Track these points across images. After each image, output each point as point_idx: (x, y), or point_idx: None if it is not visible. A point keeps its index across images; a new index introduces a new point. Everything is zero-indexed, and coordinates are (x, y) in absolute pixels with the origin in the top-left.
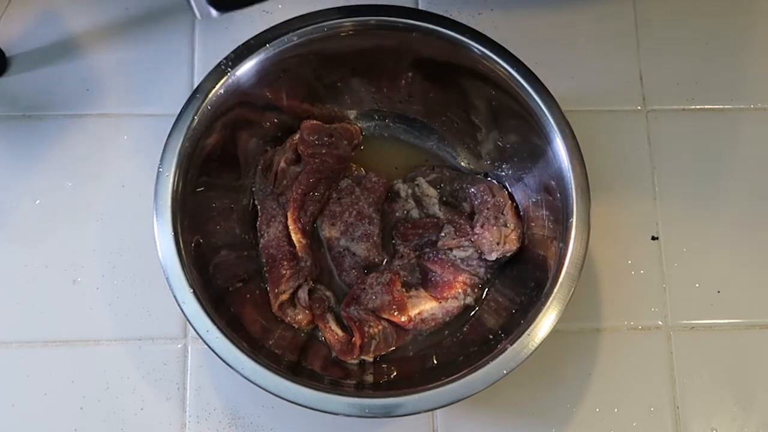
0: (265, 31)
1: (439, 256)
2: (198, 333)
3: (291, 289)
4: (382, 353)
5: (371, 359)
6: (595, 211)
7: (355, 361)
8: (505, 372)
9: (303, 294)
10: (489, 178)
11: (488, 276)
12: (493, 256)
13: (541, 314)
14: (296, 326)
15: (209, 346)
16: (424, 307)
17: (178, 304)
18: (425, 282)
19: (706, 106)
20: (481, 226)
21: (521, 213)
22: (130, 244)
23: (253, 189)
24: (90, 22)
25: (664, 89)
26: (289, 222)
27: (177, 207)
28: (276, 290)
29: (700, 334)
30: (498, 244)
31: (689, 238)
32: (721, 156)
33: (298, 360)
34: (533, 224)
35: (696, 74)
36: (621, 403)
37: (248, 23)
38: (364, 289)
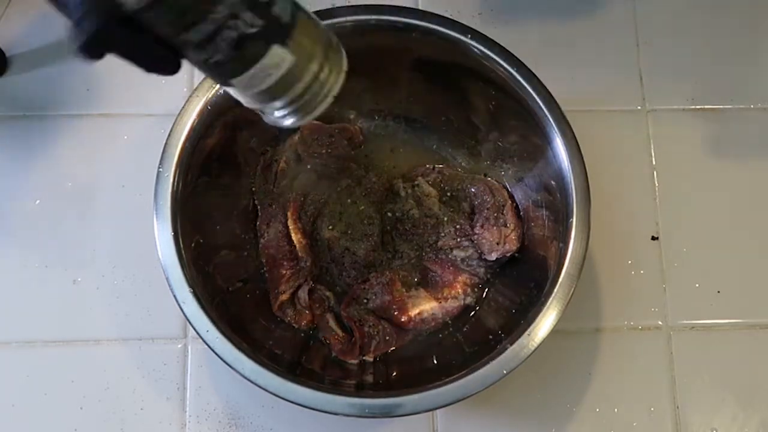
0: None
1: (439, 256)
2: (198, 333)
3: (291, 289)
4: (382, 353)
5: (371, 359)
6: (595, 211)
7: (355, 361)
8: (505, 372)
9: (303, 294)
10: (489, 178)
11: (488, 276)
12: (493, 256)
13: (541, 314)
14: (296, 326)
15: (209, 346)
16: (424, 307)
17: (178, 304)
18: (425, 282)
19: (706, 106)
20: (481, 226)
21: (521, 213)
22: (130, 244)
23: (253, 189)
24: None
25: (664, 89)
26: (289, 222)
27: (177, 207)
28: (276, 290)
29: (700, 334)
30: (498, 244)
31: (689, 238)
32: (721, 156)
33: (298, 360)
34: (533, 224)
35: (696, 74)
36: (621, 403)
37: None
38: (364, 289)
